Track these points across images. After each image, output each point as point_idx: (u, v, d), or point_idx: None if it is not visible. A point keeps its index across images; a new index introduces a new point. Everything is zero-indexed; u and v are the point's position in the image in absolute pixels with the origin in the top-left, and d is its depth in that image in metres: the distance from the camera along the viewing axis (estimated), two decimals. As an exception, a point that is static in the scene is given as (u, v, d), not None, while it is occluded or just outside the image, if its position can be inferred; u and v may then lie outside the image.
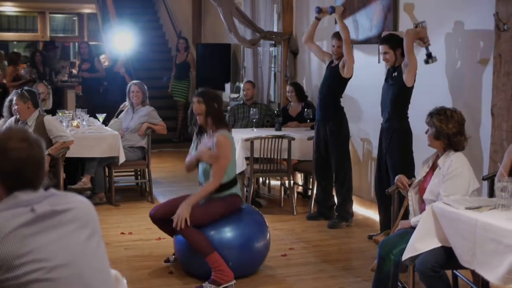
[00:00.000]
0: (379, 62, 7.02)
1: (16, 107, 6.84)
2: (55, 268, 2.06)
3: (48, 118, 6.98)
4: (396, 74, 5.96)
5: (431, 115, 4.40)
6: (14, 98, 6.87)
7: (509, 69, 5.13)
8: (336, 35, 6.87)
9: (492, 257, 3.46)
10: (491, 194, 4.65)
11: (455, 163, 4.23)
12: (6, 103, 7.23)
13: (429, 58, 5.99)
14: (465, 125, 4.40)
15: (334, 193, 7.14)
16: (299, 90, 8.35)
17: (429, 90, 6.24)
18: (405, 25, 6.70)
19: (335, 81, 6.81)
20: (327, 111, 6.86)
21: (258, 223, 5.44)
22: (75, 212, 2.18)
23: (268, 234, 5.45)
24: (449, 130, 4.29)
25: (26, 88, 7.25)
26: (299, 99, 8.31)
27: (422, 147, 6.01)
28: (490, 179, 4.83)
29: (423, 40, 5.99)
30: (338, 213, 6.94)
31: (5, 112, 7.32)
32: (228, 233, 5.15)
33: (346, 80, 6.78)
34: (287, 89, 8.54)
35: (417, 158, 6.00)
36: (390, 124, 6.02)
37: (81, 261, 2.14)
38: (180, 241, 5.24)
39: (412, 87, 5.92)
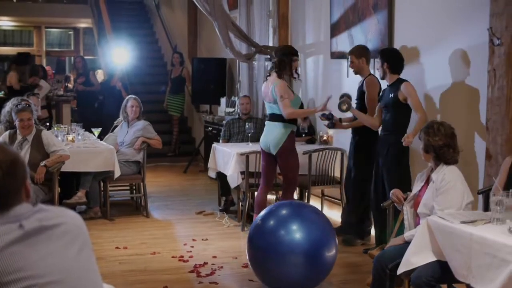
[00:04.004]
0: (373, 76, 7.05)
1: (26, 123, 6.79)
2: (47, 284, 2.04)
3: (45, 133, 6.98)
4: (392, 95, 5.96)
5: (421, 129, 4.45)
6: (23, 114, 6.81)
7: (503, 83, 5.15)
8: (349, 52, 6.78)
9: (487, 271, 3.46)
10: (486, 208, 4.66)
11: (448, 177, 4.24)
12: (6, 113, 7.20)
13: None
14: (460, 139, 4.41)
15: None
16: None
17: (425, 105, 6.26)
18: (400, 40, 6.74)
19: (360, 96, 6.71)
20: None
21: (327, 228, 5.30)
22: (64, 227, 2.15)
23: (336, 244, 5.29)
24: (435, 142, 4.31)
25: (26, 102, 7.20)
26: None
27: (419, 162, 6.03)
28: (485, 193, 4.84)
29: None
30: (354, 230, 6.83)
31: (3, 121, 7.30)
32: (297, 234, 5.03)
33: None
34: None
35: (414, 172, 6.01)
36: (387, 138, 6.02)
37: (73, 276, 2.12)
38: (254, 247, 5.22)
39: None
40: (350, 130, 6.88)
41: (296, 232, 5.02)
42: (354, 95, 6.75)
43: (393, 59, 6.00)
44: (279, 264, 5.00)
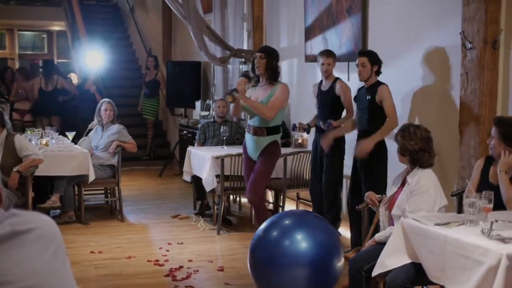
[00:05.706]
0: (348, 79, 7.09)
1: None
2: None
3: (18, 137, 6.90)
4: (369, 97, 5.98)
5: (397, 132, 4.47)
6: None
7: (475, 86, 5.21)
8: (324, 53, 6.73)
9: (460, 273, 3.49)
10: (460, 210, 4.69)
11: (422, 180, 4.27)
12: None
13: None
14: (434, 141, 4.44)
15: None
16: None
17: (398, 108, 6.30)
18: (374, 43, 6.78)
19: (333, 101, 6.72)
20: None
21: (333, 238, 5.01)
22: (38, 232, 2.13)
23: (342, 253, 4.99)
24: (411, 146, 4.34)
25: None
26: None
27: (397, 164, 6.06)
28: (459, 195, 4.88)
29: None
30: None
31: None
32: (302, 243, 4.73)
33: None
34: None
35: (391, 174, 6.04)
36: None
37: (46, 281, 2.10)
38: (255, 257, 4.90)
39: None
40: (313, 132, 6.89)
41: (302, 242, 4.73)
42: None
43: (379, 62, 6.02)
44: (283, 276, 4.73)
